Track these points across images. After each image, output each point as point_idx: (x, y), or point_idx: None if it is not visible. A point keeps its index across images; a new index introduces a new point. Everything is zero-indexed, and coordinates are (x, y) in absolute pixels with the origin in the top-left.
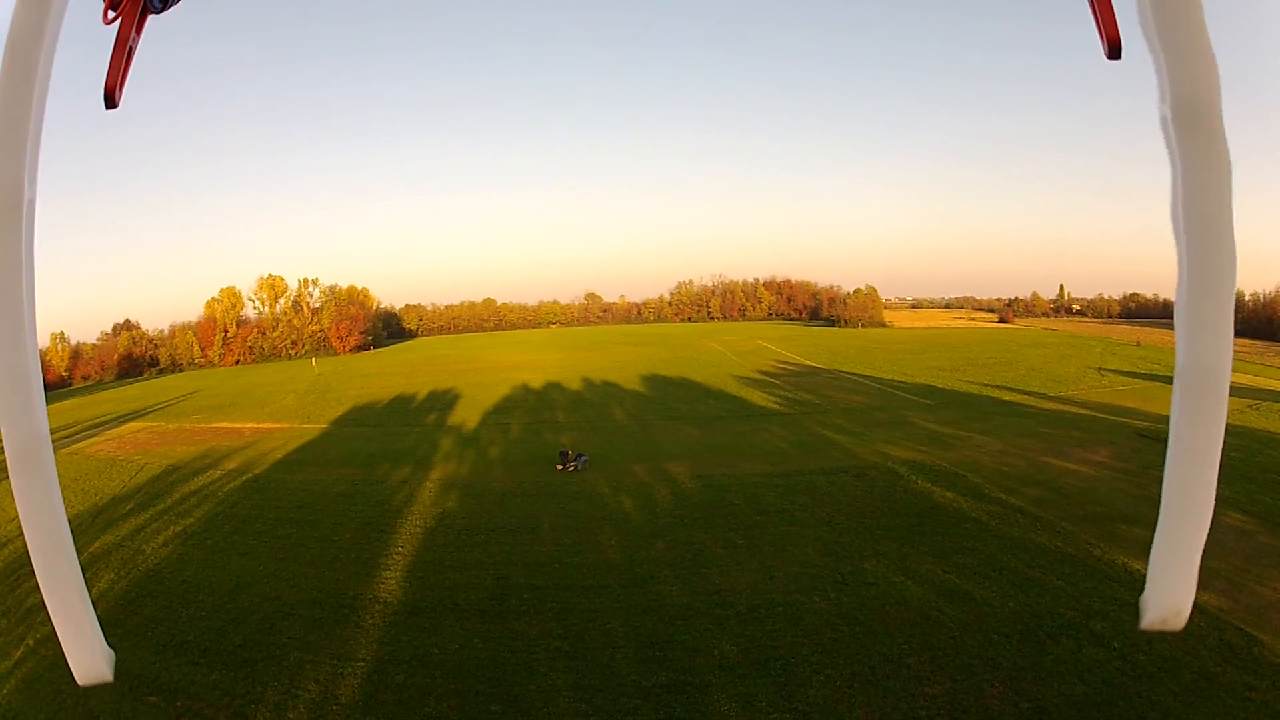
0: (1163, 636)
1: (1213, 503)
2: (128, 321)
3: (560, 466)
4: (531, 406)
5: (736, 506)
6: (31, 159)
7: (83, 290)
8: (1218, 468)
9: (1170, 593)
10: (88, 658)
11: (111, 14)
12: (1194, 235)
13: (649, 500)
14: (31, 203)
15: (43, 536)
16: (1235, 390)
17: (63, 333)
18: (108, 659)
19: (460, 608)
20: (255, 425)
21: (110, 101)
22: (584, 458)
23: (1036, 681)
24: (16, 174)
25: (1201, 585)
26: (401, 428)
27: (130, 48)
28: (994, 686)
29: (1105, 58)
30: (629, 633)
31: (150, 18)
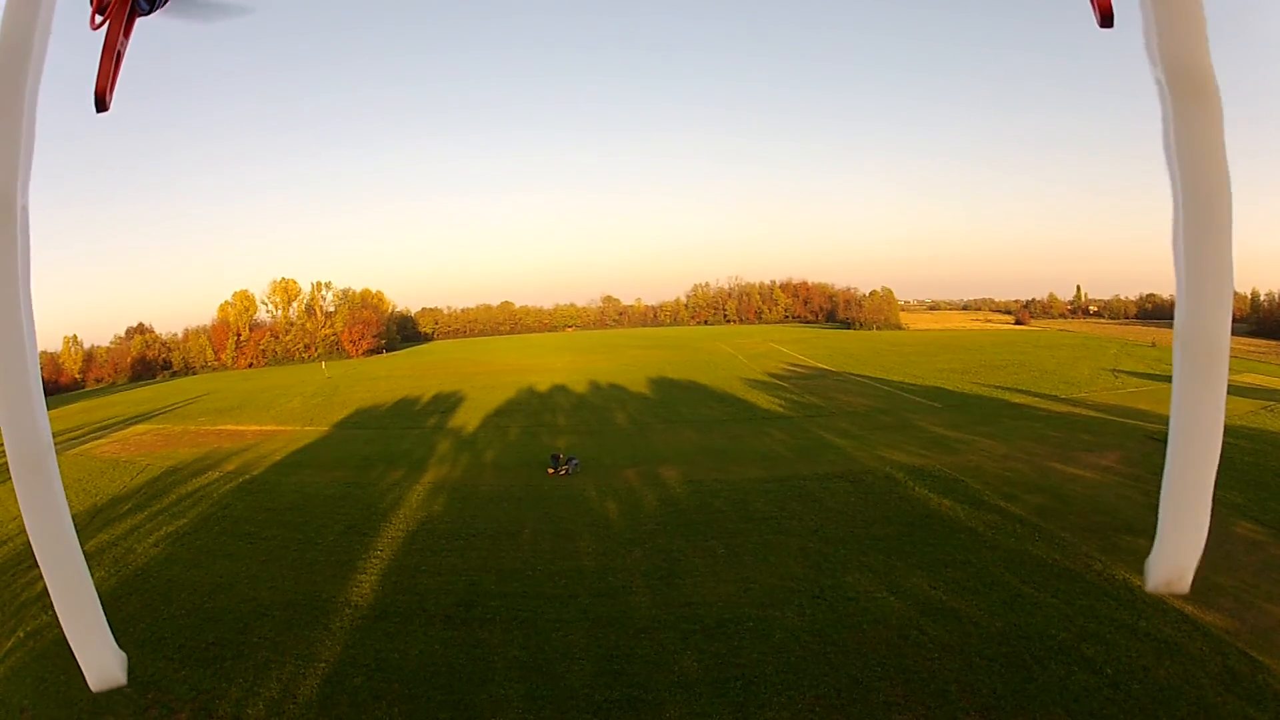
0: (1159, 663)
1: (1216, 466)
2: (141, 325)
3: (551, 470)
4: (534, 409)
5: (723, 513)
6: (24, 168)
7: (97, 294)
8: (1222, 427)
9: (1176, 554)
10: (100, 663)
11: (99, 18)
12: (1190, 200)
13: (634, 506)
14: (25, 210)
15: (50, 546)
16: (1249, 391)
17: (75, 335)
18: (120, 663)
19: (427, 613)
20: (258, 428)
21: (101, 105)
22: (575, 461)
23: (1017, 711)
24: (9, 183)
25: (1206, 603)
26: (401, 430)
27: (119, 51)
28: (969, 715)
29: (1098, 26)
30: (590, 644)
31: (139, 21)
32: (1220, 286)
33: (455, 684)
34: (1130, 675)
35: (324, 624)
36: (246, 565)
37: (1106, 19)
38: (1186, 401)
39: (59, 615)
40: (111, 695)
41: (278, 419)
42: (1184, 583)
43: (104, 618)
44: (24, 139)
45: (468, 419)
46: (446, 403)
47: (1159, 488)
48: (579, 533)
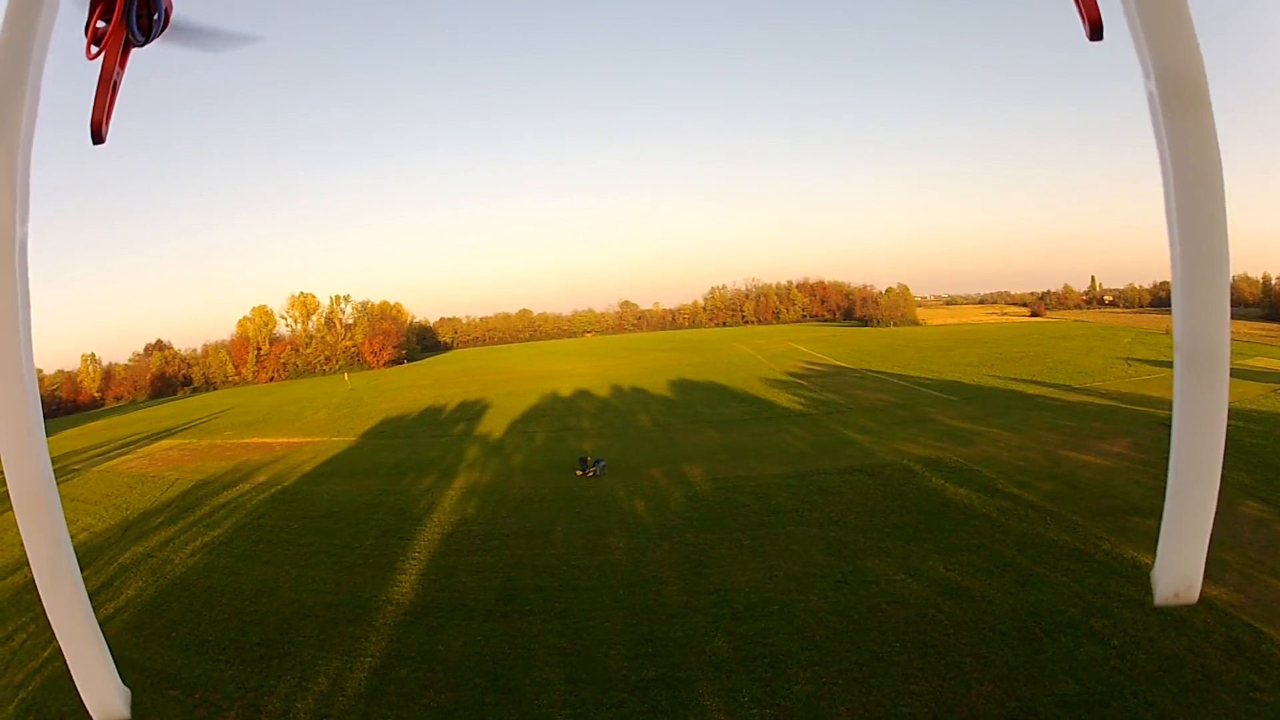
0: (1165, 634)
1: (1219, 475)
2: (160, 342)
3: (579, 472)
4: (558, 414)
5: (747, 507)
6: (21, 201)
7: (114, 312)
8: (1223, 440)
9: (1181, 567)
10: (103, 697)
11: (95, 49)
12: (1185, 210)
13: (662, 503)
14: (24, 242)
15: (52, 579)
16: (1259, 375)
17: (93, 354)
18: (123, 697)
19: (468, 608)
20: (286, 440)
21: (97, 137)
22: (602, 463)
23: (1028, 680)
24: (6, 217)
25: (1212, 578)
26: (429, 439)
27: (115, 82)
28: (983, 685)
29: (1087, 39)
30: (626, 630)
31: (134, 52)
32: (1218, 295)
33: (499, 671)
34: (1137, 646)
35: (367, 621)
36: (286, 570)
37: (1096, 31)
38: (1188, 415)
39: (61, 648)
40: (157, 698)
41: (304, 431)
42: (1192, 593)
43: (107, 651)
44: (20, 172)
45: (494, 425)
46: (471, 410)
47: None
48: (609, 529)
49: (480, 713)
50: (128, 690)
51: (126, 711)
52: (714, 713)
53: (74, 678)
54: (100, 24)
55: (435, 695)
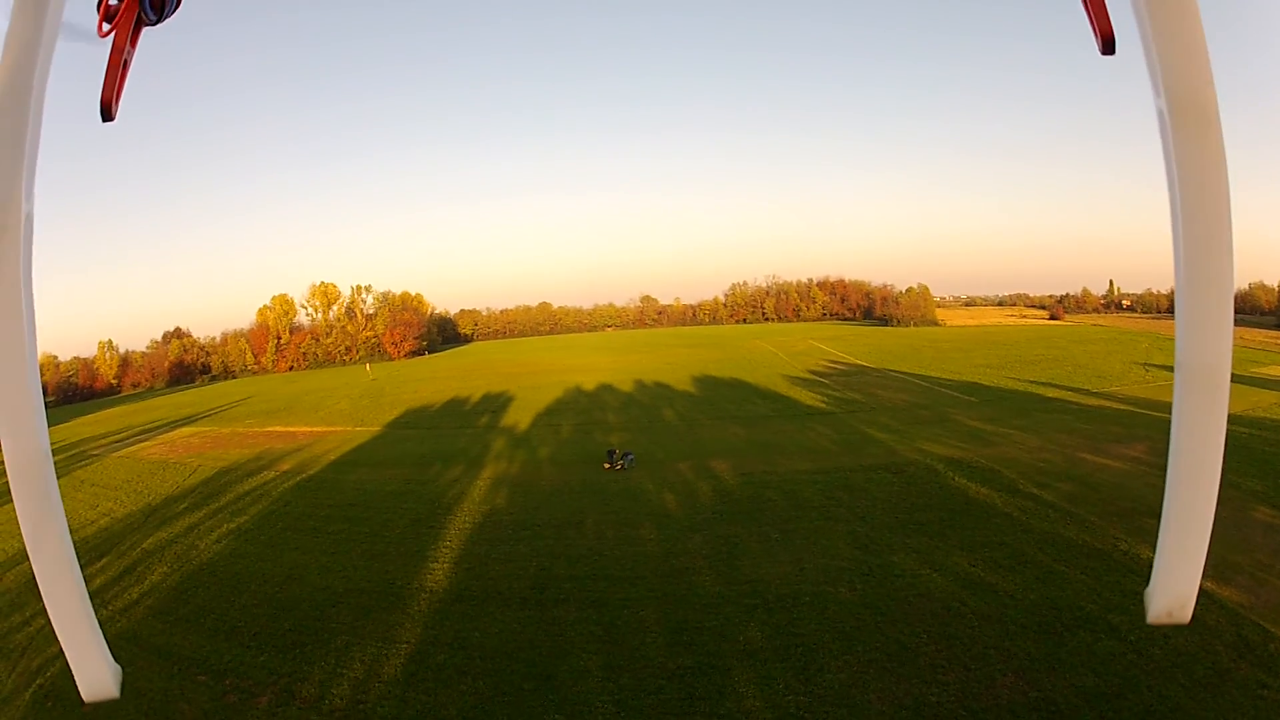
0: (1179, 631)
1: (1216, 496)
2: (178, 329)
3: (607, 465)
4: (583, 408)
5: (774, 502)
6: (28, 174)
7: (132, 299)
8: (1221, 461)
9: (1176, 585)
10: (94, 675)
11: (106, 27)
12: (1191, 230)
13: (690, 496)
14: (29, 217)
15: (46, 555)
16: (1271, 382)
17: (110, 340)
18: (114, 675)
19: (502, 596)
20: (309, 429)
21: (106, 114)
22: (630, 456)
23: (1049, 672)
24: (13, 190)
25: (1223, 580)
26: (454, 430)
27: (126, 60)
28: (1006, 676)
29: (1099, 53)
30: (661, 619)
31: (145, 30)
32: (1221, 314)
33: (536, 658)
34: (1152, 642)
35: (401, 608)
36: (315, 557)
37: (1108, 46)
38: (1186, 435)
39: (54, 626)
40: (186, 683)
41: (327, 420)
42: (1185, 612)
43: (99, 630)
44: (28, 145)
45: (519, 418)
46: (495, 402)
47: None
48: (640, 521)
49: (519, 699)
50: (119, 668)
51: (116, 691)
52: (750, 699)
53: (66, 656)
54: (113, 1)
55: (473, 681)
